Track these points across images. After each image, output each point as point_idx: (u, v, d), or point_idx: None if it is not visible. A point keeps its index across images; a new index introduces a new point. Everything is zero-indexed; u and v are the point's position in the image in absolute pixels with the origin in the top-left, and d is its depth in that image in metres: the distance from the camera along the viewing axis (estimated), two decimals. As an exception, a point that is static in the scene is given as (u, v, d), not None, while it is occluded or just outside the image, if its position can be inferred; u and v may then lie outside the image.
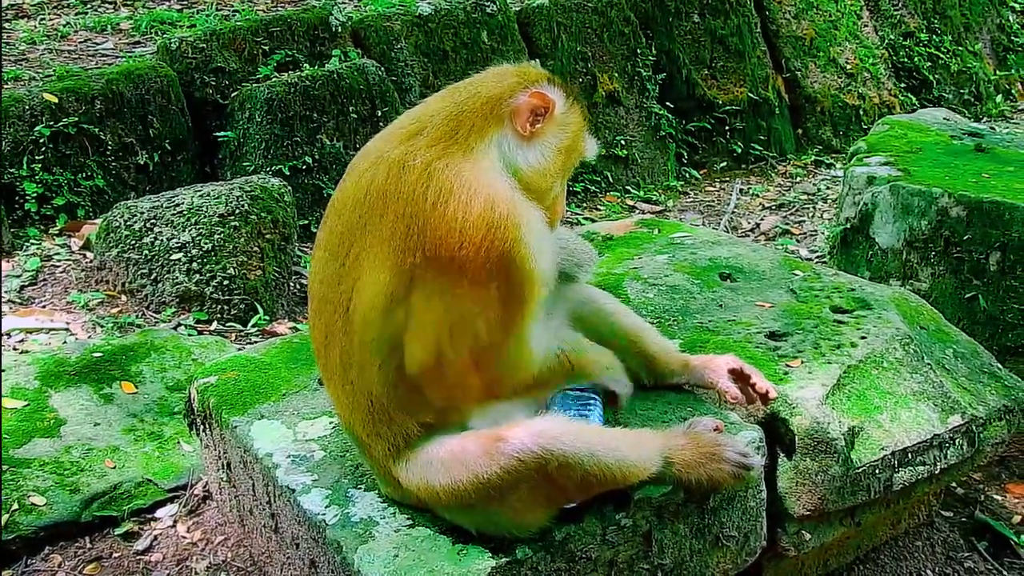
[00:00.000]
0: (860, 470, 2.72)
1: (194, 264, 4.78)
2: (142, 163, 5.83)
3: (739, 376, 2.68)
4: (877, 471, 2.75)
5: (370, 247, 2.19)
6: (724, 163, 7.61)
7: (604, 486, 2.28)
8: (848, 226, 4.28)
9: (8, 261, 5.08)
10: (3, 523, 3.12)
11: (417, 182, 2.15)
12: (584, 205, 6.79)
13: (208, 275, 4.78)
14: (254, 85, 6.08)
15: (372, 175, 2.23)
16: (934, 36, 8.79)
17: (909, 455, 2.80)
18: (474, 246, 2.10)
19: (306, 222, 5.71)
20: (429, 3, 6.89)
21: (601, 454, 2.23)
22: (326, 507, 2.45)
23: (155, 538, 3.20)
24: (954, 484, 3.47)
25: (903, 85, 8.53)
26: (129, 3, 7.65)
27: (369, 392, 2.26)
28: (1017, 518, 3.45)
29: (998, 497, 3.55)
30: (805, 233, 6.32)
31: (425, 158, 2.18)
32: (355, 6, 7.40)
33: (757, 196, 7.09)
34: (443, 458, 2.25)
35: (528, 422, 2.24)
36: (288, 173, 5.81)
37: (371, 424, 2.29)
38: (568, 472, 2.19)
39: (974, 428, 2.95)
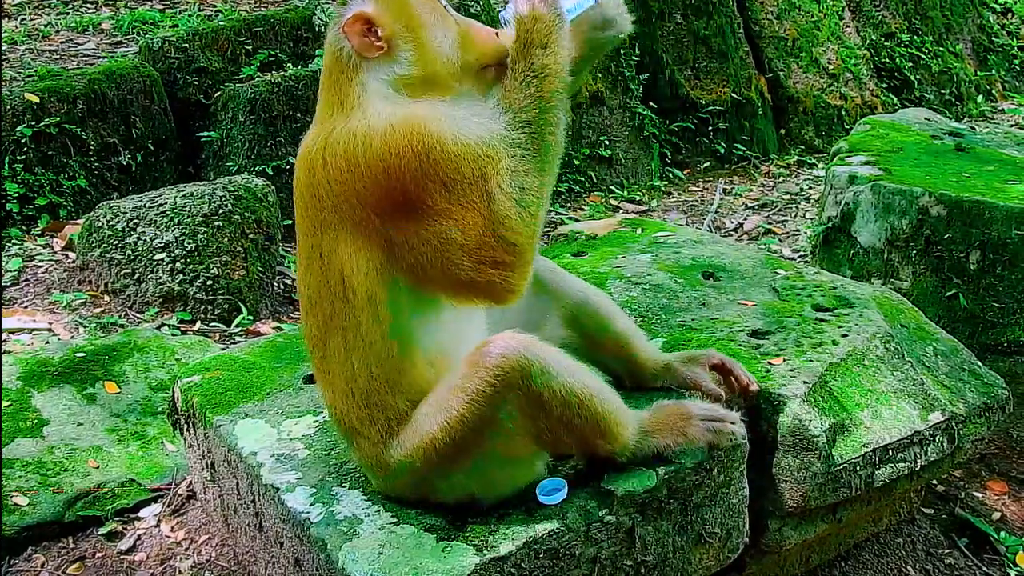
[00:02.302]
0: (841, 467, 2.74)
1: (177, 264, 4.78)
2: (125, 163, 5.81)
3: (720, 370, 2.72)
4: (858, 468, 2.77)
5: (336, 240, 2.25)
6: (707, 163, 7.64)
7: (585, 423, 2.30)
8: (830, 225, 4.30)
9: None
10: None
11: (326, 164, 2.21)
12: (568, 205, 6.80)
13: (191, 275, 4.77)
14: (237, 85, 6.07)
15: (296, 182, 2.32)
16: (915, 37, 8.84)
17: (890, 452, 2.83)
18: (403, 180, 2.15)
19: (290, 222, 5.62)
20: (413, 3, 6.87)
21: (580, 376, 2.28)
22: (310, 505, 2.45)
23: (139, 538, 3.19)
24: (935, 481, 3.49)
25: (885, 85, 8.57)
26: (111, 3, 7.62)
27: (369, 373, 2.29)
28: (997, 515, 3.48)
29: (978, 494, 3.57)
30: (788, 232, 6.35)
31: (319, 142, 2.25)
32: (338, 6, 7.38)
33: (740, 196, 7.11)
34: (431, 402, 2.28)
35: (509, 331, 2.28)
36: (272, 173, 5.80)
37: (365, 409, 2.32)
38: (550, 384, 2.22)
39: (954, 425, 2.97)
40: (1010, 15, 9.67)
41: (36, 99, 5.57)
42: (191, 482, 3.30)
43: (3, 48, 6.48)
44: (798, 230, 6.32)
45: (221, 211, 4.90)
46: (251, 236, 4.96)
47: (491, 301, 2.30)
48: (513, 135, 2.23)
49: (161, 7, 7.55)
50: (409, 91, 2.27)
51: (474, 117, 2.25)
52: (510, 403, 2.22)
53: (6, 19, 7.14)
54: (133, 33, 7.04)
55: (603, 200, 6.98)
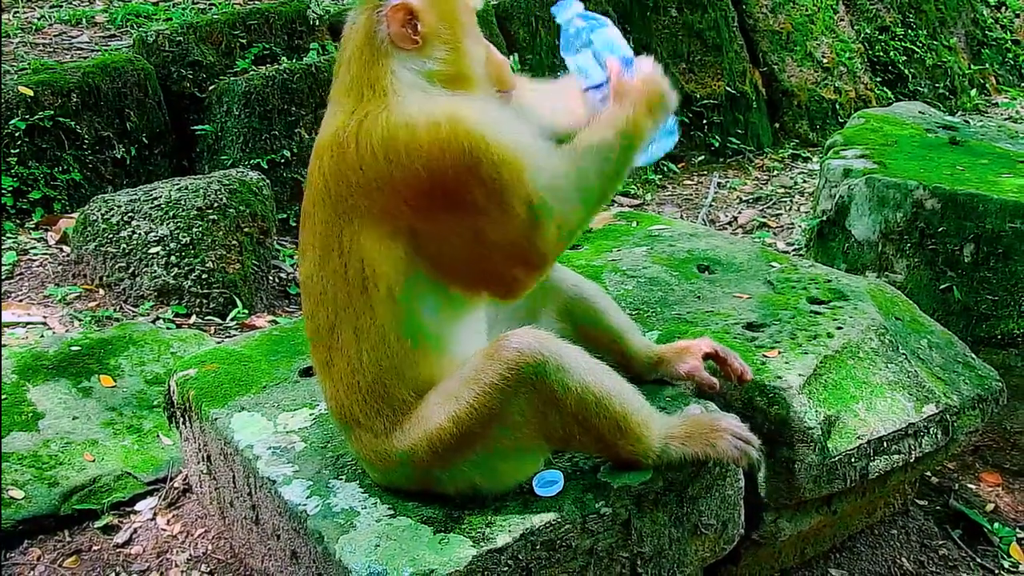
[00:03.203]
0: (836, 459, 2.75)
1: (172, 258, 4.77)
2: (119, 157, 5.80)
3: (714, 358, 2.73)
4: (853, 460, 2.78)
5: (361, 228, 2.23)
6: (702, 157, 7.64)
7: (604, 423, 2.30)
8: (824, 218, 4.30)
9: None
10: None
11: (360, 148, 2.19)
12: (563, 198, 6.79)
13: (186, 269, 4.77)
14: (232, 78, 6.06)
15: (319, 165, 2.28)
16: (909, 31, 8.85)
17: (884, 444, 2.84)
18: (445, 174, 2.15)
19: (285, 215, 5.70)
20: (407, -4, 6.86)
21: (599, 375, 2.28)
22: (307, 498, 2.45)
23: (135, 531, 3.20)
24: (929, 473, 3.51)
25: (879, 79, 8.58)
26: (105, -4, 7.60)
27: (379, 364, 2.28)
28: (991, 506, 3.49)
29: (972, 486, 3.59)
30: (782, 226, 6.35)
31: (352, 126, 2.22)
32: (333, -1, 7.38)
33: (735, 189, 7.12)
34: (441, 391, 2.29)
35: (527, 327, 2.30)
36: (266, 167, 5.80)
37: (372, 401, 2.32)
38: (565, 381, 2.22)
39: (948, 417, 2.98)
40: (1004, 9, 9.68)
41: (30, 92, 5.55)
42: (187, 475, 3.30)
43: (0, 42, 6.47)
44: (792, 224, 6.33)
45: (216, 205, 4.90)
46: (246, 230, 4.96)
47: (500, 295, 2.33)
48: (577, 159, 2.26)
49: (154, 0, 7.53)
50: (441, 85, 2.28)
51: (517, 123, 2.27)
52: (522, 398, 2.22)
53: (-1, 12, 7.12)
54: (127, 26, 7.02)
55: (598, 194, 6.97)
